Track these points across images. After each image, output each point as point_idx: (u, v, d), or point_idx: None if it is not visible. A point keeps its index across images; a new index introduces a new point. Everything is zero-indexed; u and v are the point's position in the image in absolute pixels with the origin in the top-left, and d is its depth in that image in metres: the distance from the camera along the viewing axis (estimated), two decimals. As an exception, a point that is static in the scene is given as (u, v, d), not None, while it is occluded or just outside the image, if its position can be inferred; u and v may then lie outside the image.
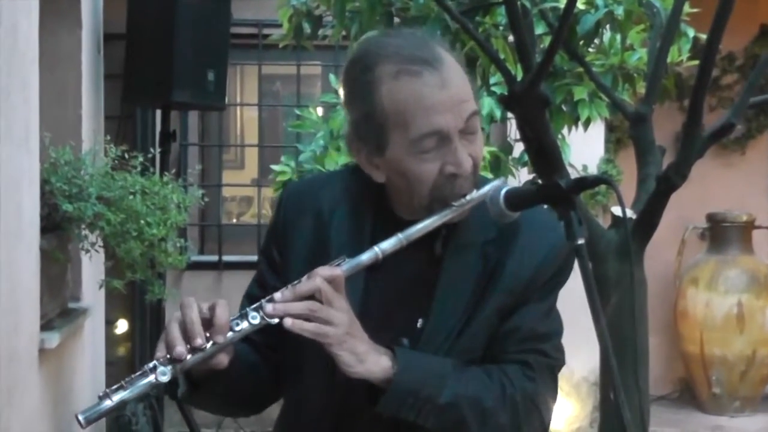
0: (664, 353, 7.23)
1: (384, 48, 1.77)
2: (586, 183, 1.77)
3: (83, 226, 3.89)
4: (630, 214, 3.45)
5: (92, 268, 4.60)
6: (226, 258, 6.44)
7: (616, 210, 3.80)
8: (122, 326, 5.99)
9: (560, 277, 1.86)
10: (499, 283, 1.80)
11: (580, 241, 1.70)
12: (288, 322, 1.67)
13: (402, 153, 1.75)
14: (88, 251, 4.02)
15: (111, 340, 5.71)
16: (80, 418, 1.62)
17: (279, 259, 1.92)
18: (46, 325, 3.79)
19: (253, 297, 1.91)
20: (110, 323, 5.61)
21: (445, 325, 1.80)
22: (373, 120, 1.76)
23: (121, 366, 5.93)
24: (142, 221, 3.96)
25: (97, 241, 4.02)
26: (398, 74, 1.73)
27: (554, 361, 1.87)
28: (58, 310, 4.11)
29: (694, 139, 3.24)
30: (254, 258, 6.26)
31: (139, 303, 5.86)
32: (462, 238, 1.82)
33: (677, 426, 6.81)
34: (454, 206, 1.77)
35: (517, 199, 1.76)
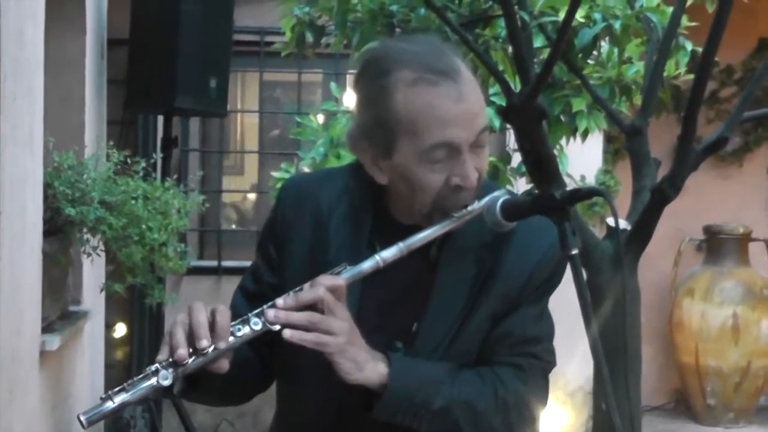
0: (660, 364, 7.27)
1: (403, 54, 1.77)
2: (580, 194, 1.79)
3: (85, 230, 3.91)
4: (624, 225, 3.49)
5: (93, 271, 4.63)
6: (225, 263, 6.47)
7: (611, 221, 3.84)
8: (121, 330, 6.02)
9: (553, 281, 1.88)
10: (493, 288, 1.82)
11: (574, 252, 1.73)
12: (287, 333, 1.69)
13: (410, 160, 1.75)
14: (89, 255, 4.04)
15: (110, 343, 5.74)
16: (82, 418, 1.63)
17: (275, 256, 1.92)
18: (47, 328, 3.80)
19: (246, 290, 1.95)
20: (110, 327, 5.64)
21: (439, 329, 1.82)
22: (384, 123, 1.75)
23: (119, 369, 5.97)
24: (144, 226, 3.98)
25: (99, 245, 4.04)
26: (416, 82, 1.73)
27: (546, 363, 1.89)
28: (59, 312, 4.13)
29: (688, 152, 3.27)
30: (253, 264, 6.29)
31: (138, 307, 5.90)
32: (457, 242, 1.83)
33: (672, 436, 6.85)
34: (455, 217, 1.78)
35: (513, 209, 1.78)
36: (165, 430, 5.53)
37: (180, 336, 1.67)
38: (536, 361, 1.87)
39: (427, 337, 1.82)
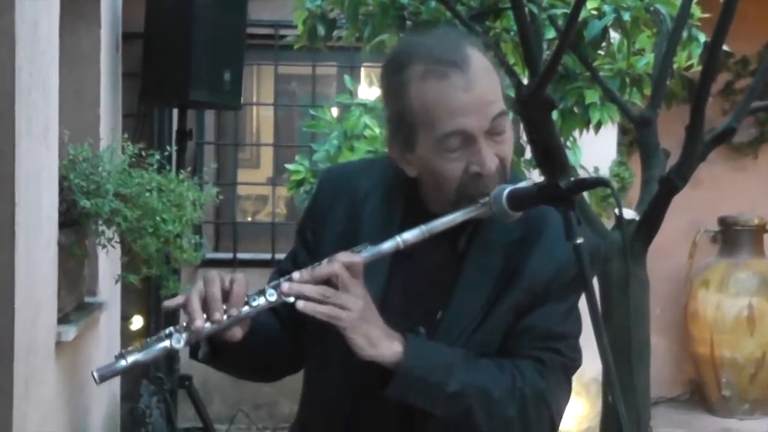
0: (675, 355, 7.28)
1: (416, 48, 1.82)
2: (585, 184, 1.81)
3: (100, 222, 3.95)
4: (633, 215, 3.50)
5: (109, 263, 4.67)
6: (240, 255, 6.50)
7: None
8: (137, 323, 6.05)
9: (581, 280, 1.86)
10: (518, 282, 1.83)
11: (578, 241, 1.75)
12: (300, 304, 1.73)
13: (429, 151, 1.80)
14: (104, 246, 4.08)
15: (126, 335, 5.77)
16: (95, 374, 1.69)
17: (312, 239, 1.97)
18: (63, 319, 3.84)
19: (283, 271, 1.95)
20: (125, 319, 5.67)
21: (462, 318, 1.84)
22: (404, 118, 1.81)
23: (135, 361, 5.99)
24: (158, 218, 4.01)
25: (114, 237, 4.08)
26: (426, 75, 1.78)
27: (569, 360, 1.88)
28: (75, 303, 4.17)
29: (696, 142, 3.29)
30: (268, 256, 6.33)
31: (154, 298, 5.95)
32: (486, 236, 1.86)
33: (686, 428, 6.84)
34: (479, 203, 1.80)
35: (519, 198, 1.80)
36: (180, 420, 5.57)
37: (196, 305, 1.73)
38: (559, 357, 1.86)
39: (450, 326, 1.84)
